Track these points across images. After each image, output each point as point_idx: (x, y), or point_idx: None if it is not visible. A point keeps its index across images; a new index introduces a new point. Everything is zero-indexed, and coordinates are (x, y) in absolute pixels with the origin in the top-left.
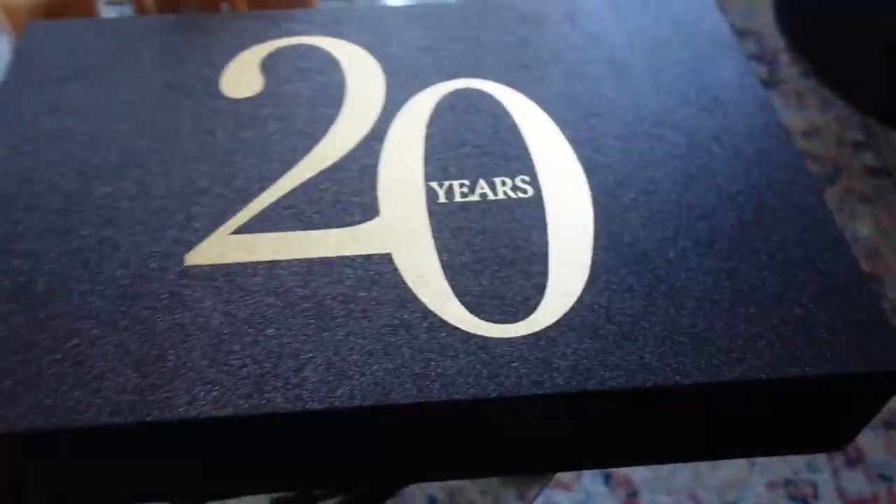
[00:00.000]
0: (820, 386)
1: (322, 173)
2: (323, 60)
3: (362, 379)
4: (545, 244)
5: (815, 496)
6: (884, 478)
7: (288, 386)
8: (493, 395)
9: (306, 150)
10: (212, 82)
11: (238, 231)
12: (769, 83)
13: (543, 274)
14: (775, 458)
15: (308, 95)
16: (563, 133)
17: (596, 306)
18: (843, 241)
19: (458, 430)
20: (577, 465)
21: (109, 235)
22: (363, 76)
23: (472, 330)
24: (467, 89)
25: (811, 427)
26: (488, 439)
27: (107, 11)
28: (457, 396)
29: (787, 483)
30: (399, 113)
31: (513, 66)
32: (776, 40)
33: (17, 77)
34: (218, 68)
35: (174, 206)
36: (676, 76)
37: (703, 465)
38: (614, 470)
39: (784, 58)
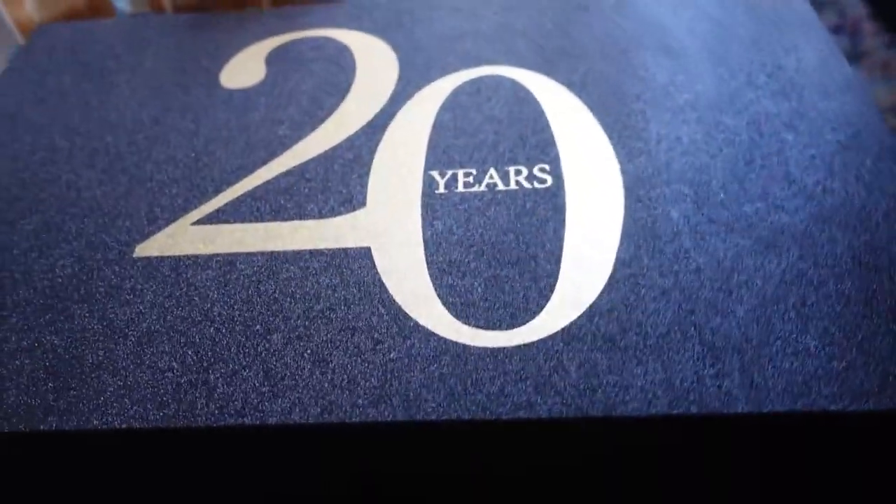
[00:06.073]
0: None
1: (309, 162)
2: (333, 51)
3: (303, 392)
4: (560, 241)
5: None
6: None
7: (214, 396)
8: (464, 418)
9: (296, 139)
10: (210, 74)
11: (200, 221)
12: (852, 56)
13: (552, 275)
14: None
15: (310, 86)
16: (598, 120)
17: (614, 314)
18: None
19: (424, 459)
20: None
21: (61, 224)
22: (375, 66)
23: (450, 336)
24: (490, 76)
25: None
26: (459, 472)
27: None
28: (418, 417)
29: None
30: (408, 101)
31: (547, 51)
32: (858, 8)
33: (13, 70)
34: (221, 61)
35: (139, 195)
36: (743, 59)
37: None
38: None
39: (867, 27)
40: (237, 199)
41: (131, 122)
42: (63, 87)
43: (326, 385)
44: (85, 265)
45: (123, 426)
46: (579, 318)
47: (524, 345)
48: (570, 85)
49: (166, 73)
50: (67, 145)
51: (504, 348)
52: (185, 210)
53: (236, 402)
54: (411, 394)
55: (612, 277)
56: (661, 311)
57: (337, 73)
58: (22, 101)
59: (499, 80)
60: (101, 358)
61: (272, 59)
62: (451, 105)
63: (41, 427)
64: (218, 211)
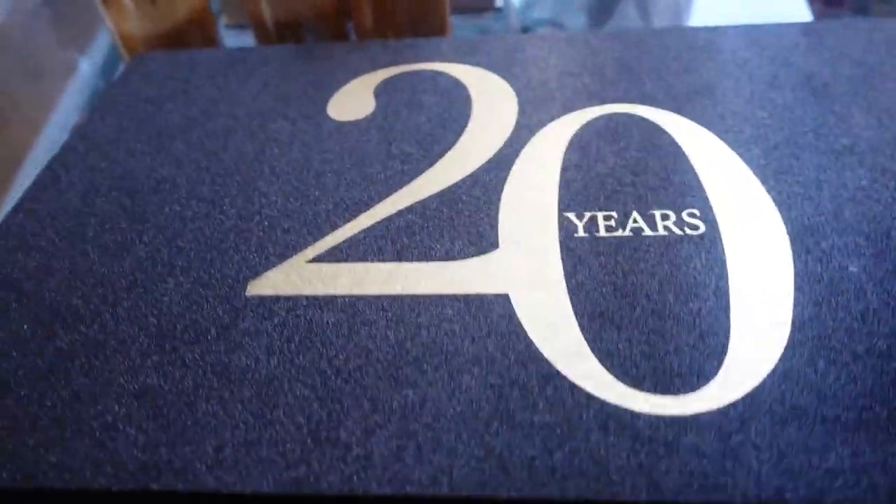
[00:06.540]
0: None
1: (429, 199)
2: (447, 85)
3: (448, 458)
4: (724, 294)
5: None
6: None
7: (346, 460)
8: (664, 499)
9: (414, 174)
10: (318, 105)
11: (317, 259)
12: None
13: (722, 333)
14: None
15: (423, 120)
16: (746, 162)
17: (802, 381)
18: None
19: None
20: None
21: (167, 257)
22: (491, 100)
23: (612, 400)
24: (620, 114)
25: None
26: None
27: (228, 35)
28: (593, 496)
29: None
30: (533, 138)
31: (677, 89)
32: None
33: (111, 96)
34: (328, 92)
35: (248, 229)
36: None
37: None
38: None
39: None
40: (355, 236)
41: (235, 151)
42: (163, 114)
43: (476, 450)
44: (194, 303)
45: (248, 491)
46: (761, 384)
47: (703, 413)
48: (709, 125)
49: (269, 102)
50: (171, 174)
51: (680, 417)
52: (299, 247)
53: (375, 468)
54: (575, 468)
55: (791, 338)
56: (859, 380)
57: (451, 107)
58: (120, 127)
59: (628, 119)
60: (215, 408)
61: (381, 91)
62: (579, 143)
63: (154, 486)
64: (335, 248)
